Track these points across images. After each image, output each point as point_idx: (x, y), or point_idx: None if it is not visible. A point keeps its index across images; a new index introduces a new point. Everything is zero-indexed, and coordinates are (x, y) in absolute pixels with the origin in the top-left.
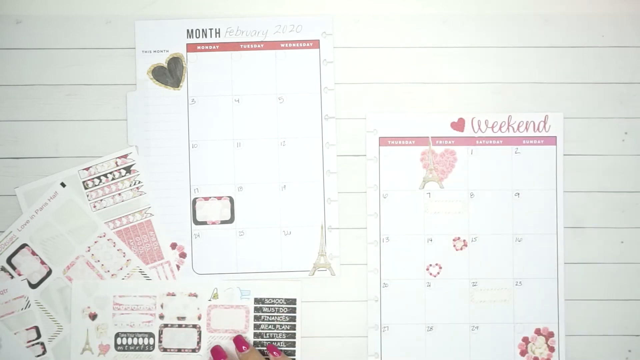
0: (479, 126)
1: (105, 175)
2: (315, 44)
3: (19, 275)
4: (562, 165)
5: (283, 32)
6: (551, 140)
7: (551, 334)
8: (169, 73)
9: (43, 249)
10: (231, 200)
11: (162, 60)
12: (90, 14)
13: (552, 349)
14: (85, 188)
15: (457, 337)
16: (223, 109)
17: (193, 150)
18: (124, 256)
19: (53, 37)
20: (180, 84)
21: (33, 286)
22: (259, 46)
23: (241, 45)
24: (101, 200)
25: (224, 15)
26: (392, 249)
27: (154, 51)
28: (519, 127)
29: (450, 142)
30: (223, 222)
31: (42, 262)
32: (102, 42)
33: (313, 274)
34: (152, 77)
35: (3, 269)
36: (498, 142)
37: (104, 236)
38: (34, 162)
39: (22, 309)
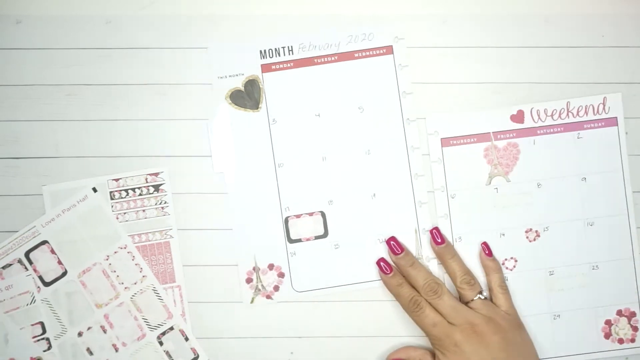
0: (539, 116)
1: (133, 189)
2: (389, 49)
3: (35, 271)
4: (626, 144)
5: (355, 41)
6: (612, 122)
7: (633, 314)
8: (247, 96)
9: (62, 249)
10: (323, 214)
11: (239, 83)
12: (90, 14)
13: (635, 329)
14: (112, 199)
15: (540, 327)
16: (305, 125)
17: (279, 169)
18: (140, 271)
19: (53, 37)
20: (260, 106)
21: (46, 284)
22: (333, 59)
23: (315, 60)
24: (125, 213)
25: (294, 32)
26: (465, 248)
27: (230, 76)
28: (578, 112)
29: (511, 135)
30: (317, 237)
31: (59, 262)
32: (102, 42)
33: None
34: (230, 101)
35: (20, 261)
36: (559, 129)
37: (125, 248)
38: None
39: (27, 305)
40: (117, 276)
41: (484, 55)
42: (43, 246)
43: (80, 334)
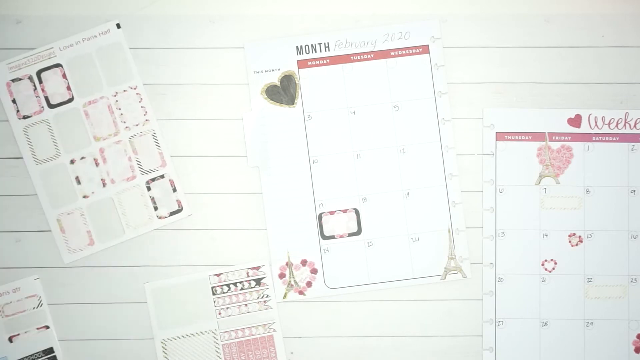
0: (596, 122)
1: (234, 283)
2: (425, 49)
3: (42, 91)
4: None
5: (392, 40)
6: None
7: None
8: (283, 91)
9: (74, 76)
10: (357, 212)
11: (275, 79)
12: (90, 14)
13: None
14: (214, 294)
15: (572, 332)
16: (340, 122)
17: (314, 165)
18: (145, 115)
19: (53, 37)
20: (295, 101)
21: (51, 106)
22: (369, 56)
23: (351, 57)
24: (227, 308)
25: (331, 29)
26: (507, 243)
27: (266, 71)
28: (635, 124)
29: (566, 138)
30: (351, 234)
31: (68, 88)
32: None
33: (445, 277)
34: (266, 96)
35: (30, 78)
36: (614, 138)
37: (135, 89)
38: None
39: (33, 308)
40: (121, 114)
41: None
42: (56, 69)
43: (72, 162)
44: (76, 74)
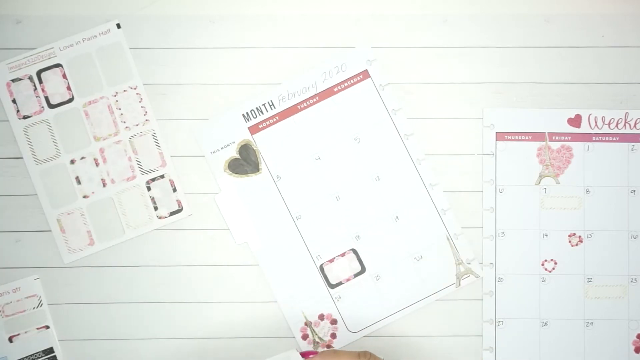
0: (596, 122)
1: None
2: (365, 74)
3: (43, 91)
4: None
5: (330, 77)
6: None
7: None
8: (245, 161)
9: (74, 76)
10: (354, 251)
11: (233, 152)
12: (90, 14)
13: None
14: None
15: (572, 332)
16: (309, 172)
17: (299, 222)
18: (145, 115)
19: (53, 37)
20: (260, 167)
21: (51, 106)
22: (315, 100)
23: (298, 107)
24: None
25: (269, 86)
26: (507, 243)
27: (222, 148)
28: (635, 123)
29: (566, 138)
30: (356, 274)
31: (68, 88)
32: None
33: (459, 285)
34: (230, 172)
35: (30, 78)
36: (614, 138)
37: (135, 89)
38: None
39: (33, 308)
40: (121, 114)
41: (486, 55)
42: (56, 69)
43: (72, 162)
44: (76, 74)
